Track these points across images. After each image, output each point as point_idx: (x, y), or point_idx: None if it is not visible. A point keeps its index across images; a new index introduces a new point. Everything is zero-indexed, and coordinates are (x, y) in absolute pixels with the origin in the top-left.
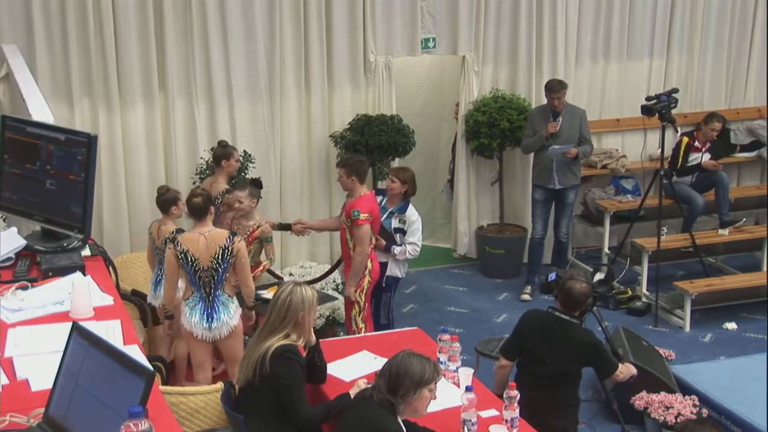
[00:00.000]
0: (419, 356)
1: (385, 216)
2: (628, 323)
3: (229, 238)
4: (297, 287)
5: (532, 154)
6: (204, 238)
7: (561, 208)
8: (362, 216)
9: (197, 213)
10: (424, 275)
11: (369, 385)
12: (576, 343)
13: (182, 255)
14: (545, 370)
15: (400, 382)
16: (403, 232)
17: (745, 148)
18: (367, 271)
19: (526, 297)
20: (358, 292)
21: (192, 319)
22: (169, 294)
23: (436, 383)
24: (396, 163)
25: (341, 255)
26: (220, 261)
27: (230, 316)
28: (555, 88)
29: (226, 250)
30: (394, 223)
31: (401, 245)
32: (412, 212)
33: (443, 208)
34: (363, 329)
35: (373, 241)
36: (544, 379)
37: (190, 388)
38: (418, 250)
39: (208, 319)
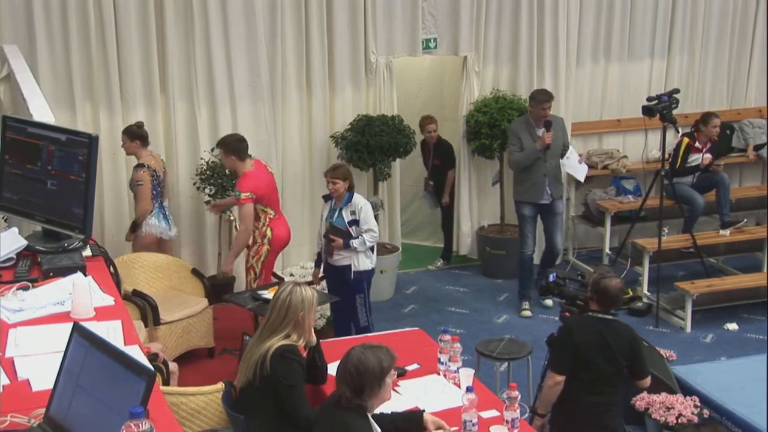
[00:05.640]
0: (371, 348)
1: (336, 215)
2: (629, 324)
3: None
4: (297, 287)
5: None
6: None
7: (553, 220)
8: (243, 195)
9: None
10: (424, 276)
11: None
12: (623, 337)
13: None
14: (599, 372)
15: (363, 381)
16: (357, 222)
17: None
18: (266, 240)
19: (527, 313)
20: (255, 259)
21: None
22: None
23: (394, 368)
24: (397, 164)
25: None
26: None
27: None
28: (546, 98)
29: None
30: (347, 216)
31: (358, 236)
32: (357, 199)
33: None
34: None
35: (263, 219)
36: (600, 382)
37: (191, 388)
38: (376, 234)
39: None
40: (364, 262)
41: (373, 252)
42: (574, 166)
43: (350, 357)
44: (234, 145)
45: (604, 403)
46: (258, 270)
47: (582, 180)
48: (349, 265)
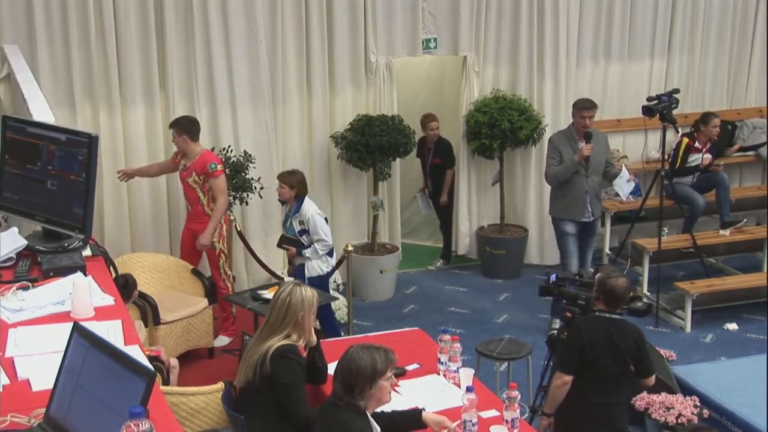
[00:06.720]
0: (369, 348)
1: (288, 224)
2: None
3: None
4: (296, 287)
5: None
6: None
7: (589, 240)
8: (219, 167)
9: None
10: (424, 276)
11: None
12: (630, 337)
13: None
14: (606, 372)
15: (353, 380)
16: (307, 232)
17: (743, 149)
18: (222, 220)
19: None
20: (220, 241)
21: None
22: None
23: (391, 371)
24: (397, 163)
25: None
26: None
27: None
28: (587, 105)
29: None
30: (296, 225)
31: (309, 246)
32: (305, 209)
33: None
34: (231, 276)
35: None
36: (606, 382)
37: (191, 388)
38: (328, 243)
39: None
40: (314, 268)
41: (331, 256)
42: (622, 185)
43: (346, 354)
44: (187, 126)
45: (610, 403)
46: (226, 250)
47: (624, 198)
48: (303, 264)
